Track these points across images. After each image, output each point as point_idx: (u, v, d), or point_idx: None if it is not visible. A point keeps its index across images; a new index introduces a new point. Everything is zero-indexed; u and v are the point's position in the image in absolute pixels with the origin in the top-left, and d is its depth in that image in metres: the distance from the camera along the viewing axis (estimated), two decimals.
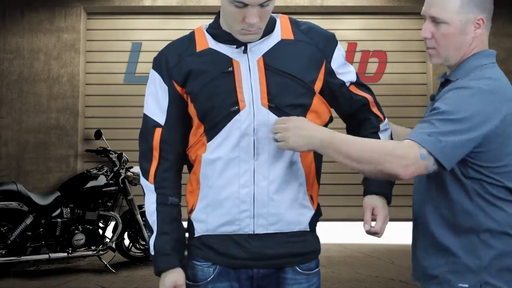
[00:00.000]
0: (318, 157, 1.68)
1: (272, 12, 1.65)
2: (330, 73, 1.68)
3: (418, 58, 7.13)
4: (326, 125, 1.71)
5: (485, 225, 1.51)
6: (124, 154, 5.80)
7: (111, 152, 5.84)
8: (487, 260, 1.52)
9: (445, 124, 1.45)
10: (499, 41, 6.89)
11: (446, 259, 1.57)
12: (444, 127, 1.45)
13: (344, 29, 7.28)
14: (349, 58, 7.17)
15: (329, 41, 1.69)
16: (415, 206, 1.71)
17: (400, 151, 1.46)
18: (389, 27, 7.22)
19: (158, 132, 1.66)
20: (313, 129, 1.52)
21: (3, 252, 5.14)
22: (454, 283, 1.55)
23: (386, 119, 1.78)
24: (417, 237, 1.68)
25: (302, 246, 1.64)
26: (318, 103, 1.65)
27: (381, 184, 1.67)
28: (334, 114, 1.77)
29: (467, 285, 1.54)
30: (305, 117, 1.61)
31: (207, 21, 1.71)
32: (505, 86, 1.52)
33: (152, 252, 1.64)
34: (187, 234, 1.69)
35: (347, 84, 1.71)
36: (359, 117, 1.75)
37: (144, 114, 1.70)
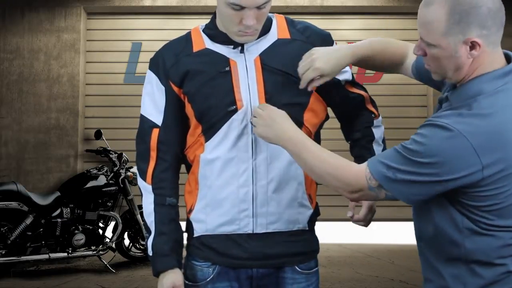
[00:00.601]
0: None
1: (270, 12, 1.66)
2: None
3: None
4: (322, 123, 1.72)
5: (474, 256, 1.37)
6: (124, 154, 5.80)
7: (111, 152, 5.84)
8: (472, 287, 1.39)
9: (409, 163, 1.32)
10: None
11: (434, 278, 1.46)
12: (406, 166, 1.32)
13: (344, 29, 7.29)
14: None
15: (325, 40, 1.70)
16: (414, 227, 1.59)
17: (347, 177, 1.40)
18: (389, 27, 7.22)
19: (155, 132, 1.65)
20: (283, 126, 1.51)
21: (3, 252, 5.14)
22: None
23: (381, 116, 1.78)
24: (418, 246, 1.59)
25: (301, 246, 1.65)
26: (315, 101, 1.66)
27: None
28: (331, 114, 1.77)
29: None
30: (303, 115, 1.63)
31: (207, 21, 1.71)
32: (498, 124, 1.30)
33: (150, 253, 1.64)
34: (185, 235, 1.69)
35: (343, 83, 1.72)
36: (353, 114, 1.76)
37: (141, 115, 1.69)
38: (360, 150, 1.72)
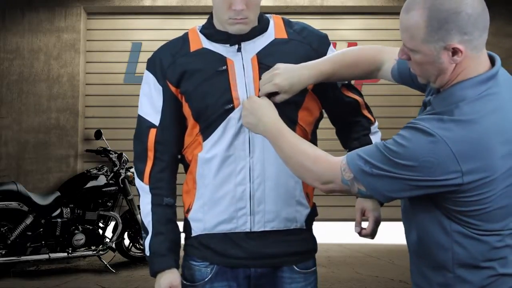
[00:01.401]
0: None
1: (270, 12, 1.66)
2: None
3: None
4: (317, 122, 1.72)
5: (461, 260, 1.36)
6: (124, 154, 5.80)
7: (111, 152, 5.84)
8: None
9: (387, 162, 1.31)
10: (499, 41, 6.89)
11: (425, 285, 1.45)
12: (384, 164, 1.31)
13: (344, 29, 7.28)
14: None
15: (322, 41, 1.70)
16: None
17: (321, 167, 1.41)
18: (389, 27, 7.22)
19: (152, 132, 1.66)
20: (264, 115, 1.52)
21: (3, 252, 5.14)
22: None
23: (376, 122, 1.78)
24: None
25: (299, 245, 1.65)
26: (309, 100, 1.66)
27: None
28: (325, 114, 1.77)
29: None
30: (297, 114, 1.63)
31: None
32: (480, 131, 1.28)
33: (147, 253, 1.64)
34: (183, 235, 1.70)
35: (339, 85, 1.72)
36: (349, 120, 1.75)
37: (139, 115, 1.70)
38: None
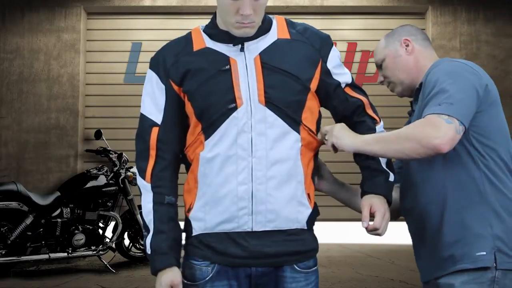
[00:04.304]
0: (315, 157, 1.69)
1: (270, 13, 1.66)
2: (326, 73, 1.68)
3: None
4: (318, 122, 1.71)
5: (498, 202, 1.63)
6: (124, 154, 5.80)
7: (111, 152, 5.85)
8: (499, 229, 1.61)
9: (445, 91, 1.59)
10: (499, 41, 6.89)
11: (459, 234, 1.63)
12: (445, 94, 1.59)
13: (344, 29, 7.29)
14: (349, 58, 7.17)
15: (325, 42, 1.70)
16: (414, 202, 1.79)
17: (425, 127, 1.55)
18: (389, 27, 7.21)
19: (155, 131, 1.66)
20: (352, 132, 1.67)
21: (3, 252, 5.14)
22: (471, 253, 1.61)
23: (382, 121, 1.78)
24: (422, 232, 1.76)
25: (301, 245, 1.64)
26: (311, 100, 1.66)
27: (377, 185, 1.67)
28: (325, 114, 1.77)
29: (484, 252, 1.60)
30: (301, 114, 1.63)
31: (207, 21, 1.72)
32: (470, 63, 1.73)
33: (148, 251, 1.64)
34: (184, 234, 1.69)
35: (343, 86, 1.72)
36: (354, 120, 1.74)
37: (141, 114, 1.70)
38: (366, 159, 1.70)
